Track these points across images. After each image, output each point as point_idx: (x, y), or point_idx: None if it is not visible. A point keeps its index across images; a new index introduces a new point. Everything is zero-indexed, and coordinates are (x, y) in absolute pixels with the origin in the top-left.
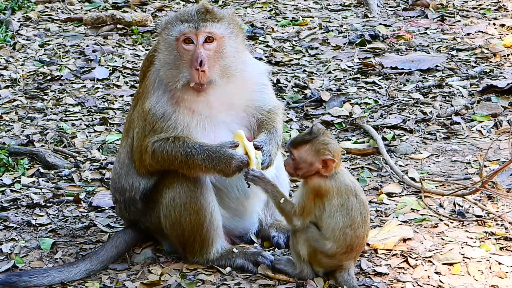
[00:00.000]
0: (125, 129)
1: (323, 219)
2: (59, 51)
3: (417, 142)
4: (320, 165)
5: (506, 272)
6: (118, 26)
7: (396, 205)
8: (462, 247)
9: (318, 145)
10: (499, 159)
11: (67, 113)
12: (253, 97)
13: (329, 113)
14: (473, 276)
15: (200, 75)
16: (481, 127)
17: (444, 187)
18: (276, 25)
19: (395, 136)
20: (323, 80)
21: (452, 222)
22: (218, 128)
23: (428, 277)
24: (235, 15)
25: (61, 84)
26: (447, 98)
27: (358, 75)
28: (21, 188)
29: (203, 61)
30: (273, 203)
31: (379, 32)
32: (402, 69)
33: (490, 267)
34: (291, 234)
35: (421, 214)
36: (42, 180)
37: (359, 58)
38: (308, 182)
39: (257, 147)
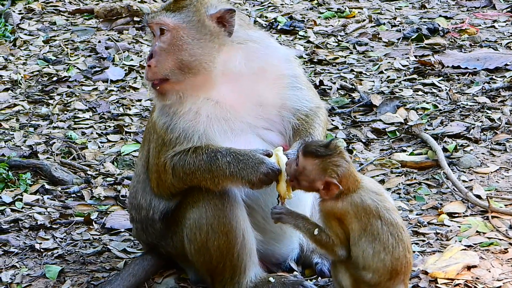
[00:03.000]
0: (144, 138)
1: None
2: (67, 48)
3: (483, 153)
4: (322, 186)
5: None
6: (135, 18)
7: (459, 227)
8: None
9: (327, 164)
10: None
11: (76, 120)
12: (286, 95)
13: (380, 120)
14: None
15: (147, 71)
16: None
17: None
18: (319, 17)
19: (458, 147)
20: (373, 81)
21: None
22: (244, 134)
23: None
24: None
25: (69, 87)
26: None
27: (414, 76)
28: (23, 207)
29: (152, 55)
30: (308, 239)
31: (439, 26)
32: (466, 68)
33: None
34: (331, 264)
35: (488, 238)
36: (48, 198)
37: (415, 56)
38: (321, 206)
39: None
